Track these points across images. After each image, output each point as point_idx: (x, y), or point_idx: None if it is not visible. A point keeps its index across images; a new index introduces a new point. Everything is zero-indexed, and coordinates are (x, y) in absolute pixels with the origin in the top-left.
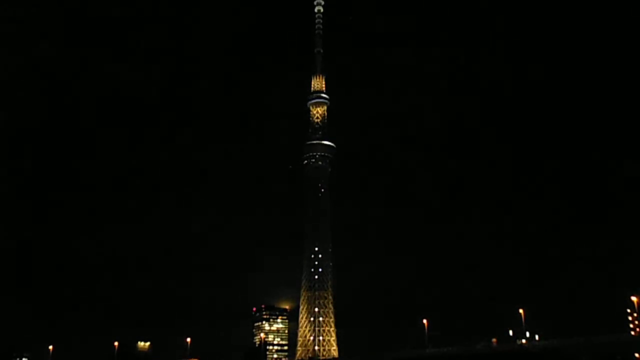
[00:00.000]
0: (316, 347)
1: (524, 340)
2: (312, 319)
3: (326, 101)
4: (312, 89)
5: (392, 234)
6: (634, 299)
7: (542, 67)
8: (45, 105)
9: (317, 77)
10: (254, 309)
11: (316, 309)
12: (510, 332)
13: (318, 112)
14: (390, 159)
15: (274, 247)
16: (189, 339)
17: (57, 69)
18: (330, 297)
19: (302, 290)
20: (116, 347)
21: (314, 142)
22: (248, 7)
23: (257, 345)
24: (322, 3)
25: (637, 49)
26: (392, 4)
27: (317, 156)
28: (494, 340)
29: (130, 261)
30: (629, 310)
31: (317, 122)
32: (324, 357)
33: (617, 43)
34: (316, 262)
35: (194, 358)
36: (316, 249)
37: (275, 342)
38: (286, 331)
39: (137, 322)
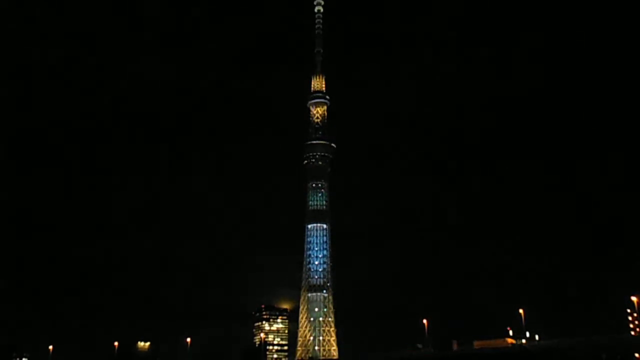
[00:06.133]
0: (316, 347)
1: (524, 340)
2: (312, 319)
3: (326, 101)
4: (312, 89)
5: (392, 235)
6: (634, 299)
7: (547, 69)
8: (46, 105)
9: (317, 77)
10: (254, 309)
11: (316, 309)
12: (510, 332)
13: (318, 112)
14: (390, 159)
15: (274, 247)
16: (189, 339)
17: (57, 69)
18: (330, 297)
19: (302, 290)
20: (116, 347)
21: (314, 142)
22: (248, 7)
23: (257, 345)
24: (322, 3)
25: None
26: (392, 3)
27: (317, 156)
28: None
29: (130, 261)
30: (629, 310)
31: (317, 122)
32: (324, 357)
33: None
34: (316, 262)
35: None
36: (316, 248)
37: (275, 342)
38: (286, 331)
39: (137, 322)
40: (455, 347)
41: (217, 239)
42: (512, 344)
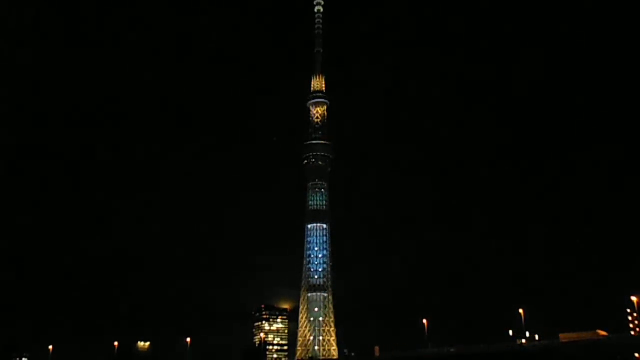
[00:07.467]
0: (316, 347)
1: (524, 340)
2: (312, 319)
3: (326, 101)
4: (312, 89)
5: (392, 234)
6: (634, 299)
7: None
8: (40, 106)
9: (317, 77)
10: (254, 309)
11: (316, 309)
12: (510, 332)
13: (318, 112)
14: (391, 159)
15: (274, 247)
16: (189, 339)
17: (55, 69)
18: (330, 297)
19: (302, 290)
20: (116, 347)
21: (314, 142)
22: (247, 6)
23: (257, 345)
24: (322, 3)
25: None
26: (392, 3)
27: (317, 156)
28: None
29: (130, 261)
30: (629, 311)
31: (317, 122)
32: (324, 357)
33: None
34: (316, 262)
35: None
36: (316, 248)
37: (275, 342)
38: (286, 331)
39: (137, 322)
40: (377, 353)
41: (217, 239)
42: (603, 336)
